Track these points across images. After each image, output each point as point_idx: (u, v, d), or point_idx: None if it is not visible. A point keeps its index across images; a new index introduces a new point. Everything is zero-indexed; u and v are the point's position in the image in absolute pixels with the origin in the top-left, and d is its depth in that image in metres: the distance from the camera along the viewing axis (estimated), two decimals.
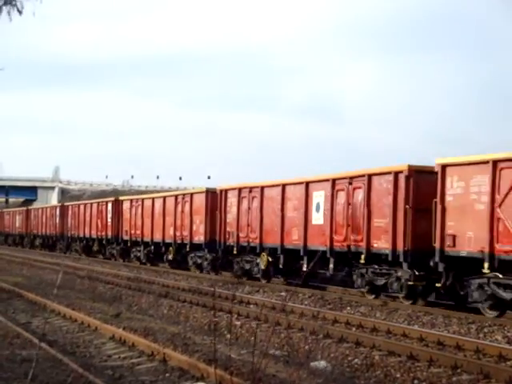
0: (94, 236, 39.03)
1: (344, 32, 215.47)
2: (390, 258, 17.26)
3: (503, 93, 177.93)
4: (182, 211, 28.40)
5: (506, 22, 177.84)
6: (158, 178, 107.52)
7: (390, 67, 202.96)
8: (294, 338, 12.39)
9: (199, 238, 27.09)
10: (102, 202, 38.74)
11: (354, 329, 13.42)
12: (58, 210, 46.40)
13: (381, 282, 17.89)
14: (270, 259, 22.36)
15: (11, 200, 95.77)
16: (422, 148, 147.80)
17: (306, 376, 9.00)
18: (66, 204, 47.09)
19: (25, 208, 57.70)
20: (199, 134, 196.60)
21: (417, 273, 16.71)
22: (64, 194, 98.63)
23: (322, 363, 10.23)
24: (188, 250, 28.16)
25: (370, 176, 18.14)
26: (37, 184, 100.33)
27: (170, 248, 29.54)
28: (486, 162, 14.59)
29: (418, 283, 16.75)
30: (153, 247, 31.52)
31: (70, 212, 43.70)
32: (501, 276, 14.47)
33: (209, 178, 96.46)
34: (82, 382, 8.46)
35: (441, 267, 15.75)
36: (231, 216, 24.73)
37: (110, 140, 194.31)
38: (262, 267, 22.66)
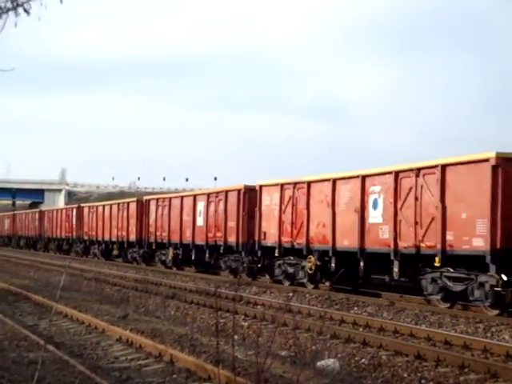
0: (63, 237, 46.86)
1: (347, 32, 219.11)
2: (235, 249, 25.02)
3: (503, 92, 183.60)
4: (122, 216, 36.18)
5: (505, 21, 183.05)
6: (164, 179, 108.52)
7: (393, 67, 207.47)
8: (301, 338, 12.43)
9: (133, 237, 34.84)
10: (69, 208, 46.65)
11: (361, 329, 13.54)
12: (37, 214, 54.21)
13: (234, 265, 25.60)
14: (177, 252, 30.19)
15: (18, 202, 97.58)
16: (423, 148, 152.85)
17: (314, 375, 9.09)
18: (43, 209, 54.96)
19: (11, 213, 65.30)
20: (206, 135, 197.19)
21: (255, 258, 24.44)
22: (71, 196, 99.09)
23: (331, 361, 10.37)
24: (126, 246, 35.98)
25: (227, 192, 25.89)
26: (44, 186, 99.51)
27: (114, 245, 37.38)
28: (277, 185, 22.30)
29: (252, 265, 24.45)
30: (104, 245, 39.33)
31: (46, 216, 51.54)
32: (292, 258, 22.17)
33: (215, 179, 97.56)
34: None
35: (259, 253, 23.43)
36: (152, 220, 32.60)
37: (117, 142, 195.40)
38: (170, 258, 30.51)
